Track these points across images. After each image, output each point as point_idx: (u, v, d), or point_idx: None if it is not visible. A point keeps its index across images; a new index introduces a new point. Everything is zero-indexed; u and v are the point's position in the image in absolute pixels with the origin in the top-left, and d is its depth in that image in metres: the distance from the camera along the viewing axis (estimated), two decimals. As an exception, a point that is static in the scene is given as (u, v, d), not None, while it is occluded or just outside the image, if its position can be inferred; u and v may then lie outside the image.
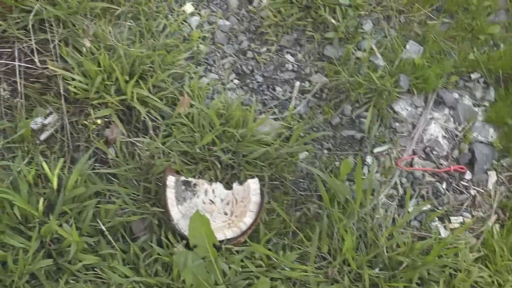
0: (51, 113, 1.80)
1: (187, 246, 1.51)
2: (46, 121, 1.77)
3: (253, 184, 1.64)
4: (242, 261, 1.53)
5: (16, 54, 1.81)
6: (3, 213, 1.53)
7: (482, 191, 1.80)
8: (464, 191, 1.80)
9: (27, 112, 1.77)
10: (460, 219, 1.75)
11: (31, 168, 1.62)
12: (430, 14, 2.05)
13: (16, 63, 1.80)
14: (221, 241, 1.52)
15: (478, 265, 1.62)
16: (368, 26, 2.02)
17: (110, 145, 1.77)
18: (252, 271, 1.52)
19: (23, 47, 1.82)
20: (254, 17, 2.08)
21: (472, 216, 1.76)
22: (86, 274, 1.50)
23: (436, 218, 1.75)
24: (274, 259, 1.55)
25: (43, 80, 1.81)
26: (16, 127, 1.74)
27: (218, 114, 1.77)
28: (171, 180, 1.61)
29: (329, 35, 1.98)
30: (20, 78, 1.80)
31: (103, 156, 1.76)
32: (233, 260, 1.52)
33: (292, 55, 2.02)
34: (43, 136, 1.76)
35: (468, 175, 1.82)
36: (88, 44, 1.77)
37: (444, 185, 1.80)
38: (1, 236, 1.50)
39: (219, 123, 1.73)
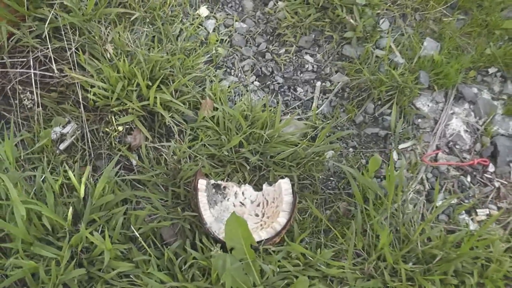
0: (69, 122, 1.77)
1: (222, 249, 1.50)
2: (64, 131, 1.75)
3: (285, 184, 1.62)
4: (279, 261, 1.52)
5: (31, 63, 1.78)
6: (30, 225, 1.49)
7: (506, 182, 1.82)
8: (488, 183, 1.82)
9: (44, 122, 1.75)
10: (486, 211, 1.76)
11: (58, 177, 1.60)
12: (445, 11, 2.08)
13: (32, 71, 1.77)
14: (258, 243, 1.51)
15: (508, 255, 1.63)
16: (385, 24, 2.04)
17: (133, 152, 1.75)
18: (290, 271, 1.51)
19: (39, 55, 1.79)
20: (270, 19, 2.08)
21: (499, 208, 1.77)
22: (120, 281, 1.48)
23: (463, 211, 1.76)
24: (310, 258, 1.54)
25: (60, 89, 1.79)
26: (34, 137, 1.71)
27: (243, 116, 1.76)
28: (202, 183, 1.59)
29: (347, 34, 1.99)
30: (36, 87, 1.77)
31: (126, 163, 1.74)
32: (271, 260, 1.51)
33: (311, 55, 2.02)
34: (62, 146, 1.73)
35: (491, 168, 1.83)
36: (111, 50, 1.75)
37: (468, 179, 1.81)
38: (31, 247, 1.46)
39: (246, 125, 1.72)
